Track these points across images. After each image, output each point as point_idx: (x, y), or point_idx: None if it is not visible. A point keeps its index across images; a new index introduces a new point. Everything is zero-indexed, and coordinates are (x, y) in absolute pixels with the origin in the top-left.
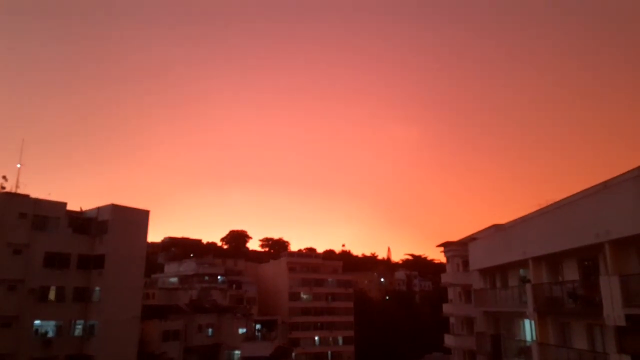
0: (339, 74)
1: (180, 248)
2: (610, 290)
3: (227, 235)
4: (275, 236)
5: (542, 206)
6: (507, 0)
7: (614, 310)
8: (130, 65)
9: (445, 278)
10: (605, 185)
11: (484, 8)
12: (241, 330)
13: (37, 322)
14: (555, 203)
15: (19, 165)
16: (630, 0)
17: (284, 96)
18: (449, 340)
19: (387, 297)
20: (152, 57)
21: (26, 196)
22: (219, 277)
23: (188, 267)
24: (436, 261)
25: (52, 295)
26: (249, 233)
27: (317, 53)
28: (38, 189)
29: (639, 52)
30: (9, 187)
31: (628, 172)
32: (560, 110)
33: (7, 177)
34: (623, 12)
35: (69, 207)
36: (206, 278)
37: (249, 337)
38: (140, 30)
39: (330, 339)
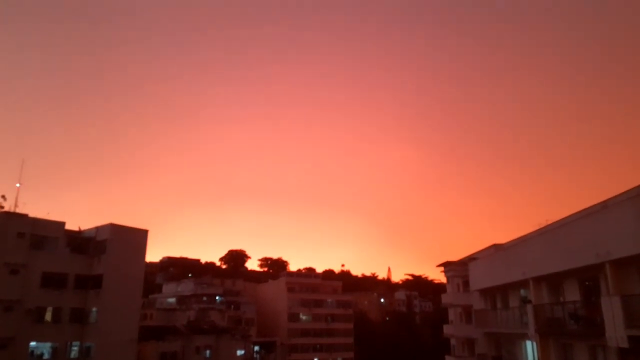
0: (339, 94)
1: (179, 268)
2: (611, 311)
3: (226, 255)
4: (275, 256)
5: (541, 226)
6: (509, 22)
7: (616, 331)
8: (130, 84)
9: (445, 298)
10: (605, 205)
11: (485, 27)
12: (239, 352)
13: (32, 343)
14: (555, 223)
15: (18, 185)
16: (633, 20)
17: (283, 116)
18: None
19: (387, 318)
20: (151, 76)
21: (25, 215)
22: (217, 298)
23: (186, 287)
24: (436, 281)
25: (48, 316)
26: (248, 252)
27: (317, 72)
28: (37, 208)
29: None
30: (8, 206)
31: (627, 191)
32: (560, 129)
33: (7, 196)
34: (625, 31)
35: (68, 227)
36: (204, 298)
37: (247, 358)
38: (140, 49)
39: None
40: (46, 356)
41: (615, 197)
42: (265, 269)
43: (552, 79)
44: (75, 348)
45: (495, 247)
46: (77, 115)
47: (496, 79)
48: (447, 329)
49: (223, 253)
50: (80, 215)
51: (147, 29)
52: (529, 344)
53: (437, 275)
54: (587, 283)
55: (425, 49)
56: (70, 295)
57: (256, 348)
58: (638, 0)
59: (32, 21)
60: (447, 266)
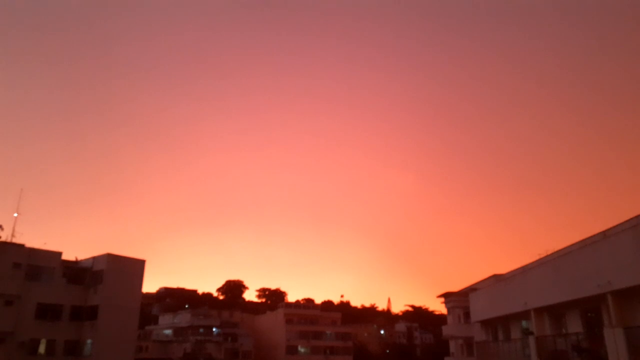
0: (337, 122)
1: (176, 298)
2: (615, 342)
3: (223, 285)
4: (273, 286)
5: (542, 256)
6: (506, 41)
7: None
8: (128, 114)
9: (446, 330)
10: (605, 235)
11: (481, 47)
12: None
13: None
14: (555, 253)
15: (15, 215)
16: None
17: (282, 145)
18: None
19: (388, 351)
20: (148, 105)
21: (21, 246)
22: (214, 329)
23: (183, 318)
24: (437, 312)
25: (42, 348)
26: (246, 283)
27: (316, 99)
28: (33, 237)
29: (636, 99)
30: (5, 236)
31: (627, 221)
32: (559, 158)
33: (4, 226)
34: (620, 53)
35: (65, 256)
36: (201, 330)
37: None
38: (135, 79)
39: None
40: None
41: (616, 226)
42: (263, 300)
43: (551, 109)
44: None
45: (496, 278)
46: (75, 146)
47: (495, 109)
48: None
49: (221, 283)
50: (77, 244)
51: (141, 55)
52: None
53: (438, 306)
54: (589, 314)
55: (428, 79)
56: (65, 327)
57: None
58: None
59: (31, 52)
60: (448, 297)
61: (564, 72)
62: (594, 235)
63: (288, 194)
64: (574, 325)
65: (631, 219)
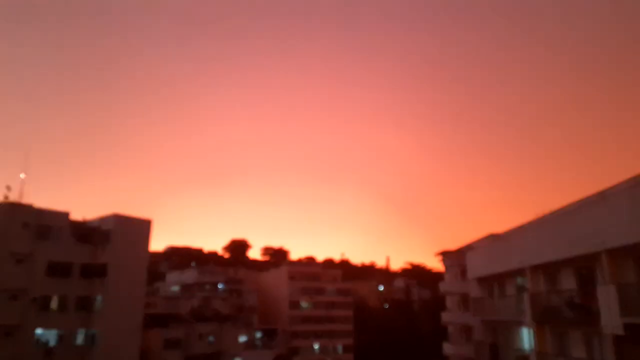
0: (339, 80)
1: (182, 257)
2: (607, 299)
3: (229, 244)
4: (276, 244)
5: (539, 215)
6: (509, 6)
7: (611, 319)
8: (134, 73)
9: (443, 287)
10: (602, 195)
11: (484, 12)
12: (242, 339)
13: (38, 331)
14: (553, 212)
15: (22, 175)
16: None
17: (283, 103)
18: (447, 348)
19: (386, 306)
20: (153, 65)
21: (29, 206)
22: (219, 286)
23: (189, 276)
24: (435, 270)
25: (54, 304)
26: (250, 241)
27: (319, 58)
28: (41, 198)
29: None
30: (13, 196)
31: (624, 181)
32: (559, 117)
33: (11, 186)
34: (621, 20)
35: (72, 217)
36: (207, 287)
37: (250, 345)
38: (140, 41)
39: (330, 347)
40: (52, 343)
41: (613, 187)
42: (267, 258)
43: (552, 67)
44: (82, 335)
45: (493, 237)
46: (80, 106)
47: (496, 68)
48: (445, 317)
49: (226, 241)
50: (84, 205)
51: (145, 23)
52: (525, 331)
53: (436, 264)
54: (583, 272)
55: (429, 42)
56: (76, 284)
57: (258, 334)
58: None
59: (35, 14)
60: (445, 255)
61: (569, 27)
62: (592, 195)
63: (290, 154)
64: (568, 282)
65: (629, 179)
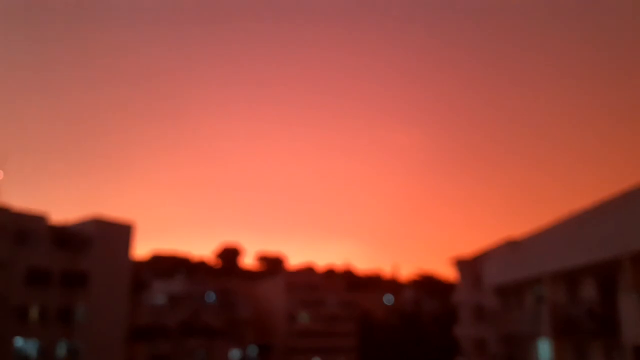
0: (340, 78)
1: (169, 264)
2: (629, 308)
3: (219, 249)
4: (271, 249)
5: (557, 220)
6: (516, 5)
7: (632, 329)
8: (117, 71)
9: (456, 296)
10: (625, 197)
11: (491, 9)
12: (234, 355)
13: (19, 343)
14: (571, 216)
15: None
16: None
17: (282, 100)
18: None
19: (393, 318)
20: (138, 64)
21: (7, 209)
22: (210, 297)
23: (177, 285)
24: (445, 279)
25: (34, 313)
26: (243, 246)
27: (318, 57)
28: (19, 200)
29: None
30: None
31: None
32: (576, 116)
33: None
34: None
35: (52, 220)
36: (196, 298)
37: None
38: (128, 35)
39: None
40: (32, 355)
41: (636, 189)
42: (262, 266)
43: (569, 64)
44: (62, 348)
45: (509, 242)
46: (63, 105)
47: (508, 66)
48: (457, 330)
49: (215, 246)
50: (64, 207)
51: (135, 22)
52: (543, 343)
53: (446, 273)
54: (605, 280)
55: (433, 42)
56: (56, 292)
57: (252, 350)
58: None
59: (17, 11)
60: (459, 262)
61: (581, 27)
62: (614, 197)
63: (289, 152)
64: (589, 291)
65: None
